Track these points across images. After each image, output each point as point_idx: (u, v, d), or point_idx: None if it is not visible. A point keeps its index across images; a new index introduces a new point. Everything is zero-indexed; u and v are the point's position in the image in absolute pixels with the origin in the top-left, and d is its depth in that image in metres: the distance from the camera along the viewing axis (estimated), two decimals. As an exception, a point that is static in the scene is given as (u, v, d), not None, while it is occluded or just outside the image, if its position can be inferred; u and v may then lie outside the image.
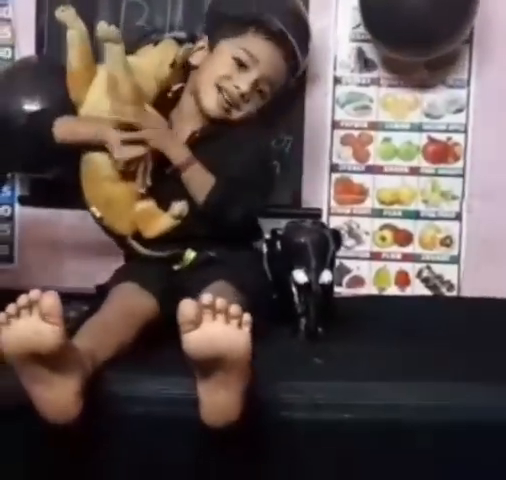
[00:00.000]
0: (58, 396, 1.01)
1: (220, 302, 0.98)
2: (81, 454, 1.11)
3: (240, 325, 0.98)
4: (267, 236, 1.40)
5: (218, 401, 1.00)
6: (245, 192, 1.42)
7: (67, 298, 1.42)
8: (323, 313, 1.35)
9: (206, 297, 0.98)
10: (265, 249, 1.42)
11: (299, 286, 1.34)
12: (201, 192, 1.41)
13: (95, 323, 1.21)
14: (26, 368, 1.00)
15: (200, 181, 1.42)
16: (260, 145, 1.56)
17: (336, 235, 1.41)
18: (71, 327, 1.25)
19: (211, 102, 1.47)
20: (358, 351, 1.30)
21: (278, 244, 1.39)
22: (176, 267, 1.46)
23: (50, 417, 1.02)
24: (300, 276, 1.34)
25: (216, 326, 0.97)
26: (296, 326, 1.35)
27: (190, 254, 1.46)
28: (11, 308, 0.98)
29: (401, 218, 1.91)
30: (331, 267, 1.37)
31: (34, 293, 0.98)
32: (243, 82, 1.45)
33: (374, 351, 1.29)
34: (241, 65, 1.46)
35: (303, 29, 1.75)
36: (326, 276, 1.34)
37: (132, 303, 1.29)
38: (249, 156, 1.50)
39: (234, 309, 0.98)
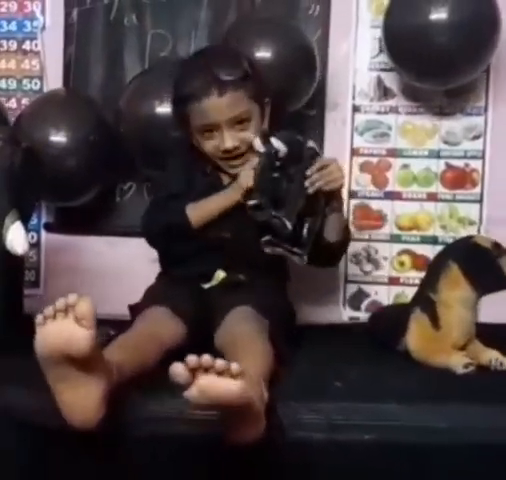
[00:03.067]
0: (82, 398, 1.06)
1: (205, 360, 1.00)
2: (97, 461, 1.14)
3: (233, 377, 1.00)
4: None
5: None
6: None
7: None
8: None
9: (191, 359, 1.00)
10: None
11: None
12: (338, 232, 1.53)
13: (125, 340, 1.26)
14: (55, 368, 1.05)
15: (341, 221, 1.55)
16: None
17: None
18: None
19: (229, 169, 1.55)
20: (375, 372, 1.32)
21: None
22: (206, 286, 1.52)
23: (72, 419, 1.06)
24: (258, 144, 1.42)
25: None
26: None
27: (220, 274, 1.52)
28: (49, 310, 1.04)
29: (419, 243, 1.92)
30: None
31: (71, 297, 1.04)
32: (224, 143, 1.51)
33: (391, 373, 1.32)
34: (211, 131, 1.52)
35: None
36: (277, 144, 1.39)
37: (163, 330, 1.34)
38: None
39: (220, 364, 1.00)
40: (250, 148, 1.51)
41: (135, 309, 1.51)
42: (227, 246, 1.51)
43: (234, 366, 1.01)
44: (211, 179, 1.58)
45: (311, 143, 1.47)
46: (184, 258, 1.54)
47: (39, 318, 1.05)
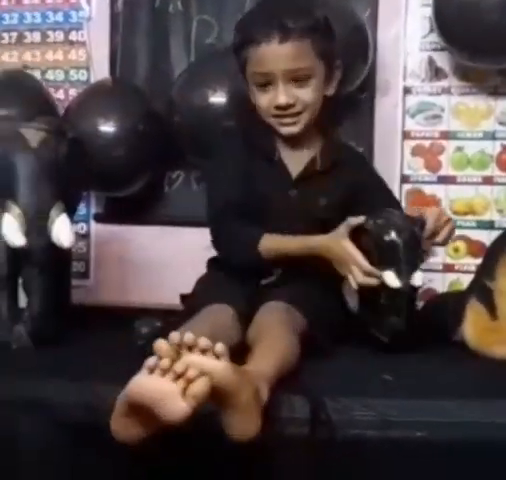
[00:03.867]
0: (137, 430, 1.00)
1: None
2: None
3: (217, 356, 0.98)
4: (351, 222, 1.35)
5: None
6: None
7: (141, 314, 1.49)
8: (411, 316, 1.32)
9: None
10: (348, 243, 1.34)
11: (393, 289, 1.29)
12: None
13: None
14: (130, 409, 0.99)
15: None
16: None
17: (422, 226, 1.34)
18: (144, 343, 1.29)
19: (280, 128, 1.48)
20: (429, 365, 1.29)
21: (367, 240, 1.32)
22: (264, 281, 1.48)
23: (118, 436, 1.01)
24: (391, 279, 1.29)
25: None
26: (381, 328, 1.31)
27: (279, 270, 1.47)
28: (165, 362, 0.95)
29: (475, 229, 1.86)
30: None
31: (192, 371, 0.95)
32: (277, 98, 1.43)
33: (446, 365, 1.28)
34: (266, 85, 1.44)
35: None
36: (418, 278, 1.29)
37: (225, 333, 1.26)
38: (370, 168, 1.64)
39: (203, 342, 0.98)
40: (307, 107, 1.44)
41: (188, 299, 1.49)
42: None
43: (218, 346, 0.98)
44: (279, 169, 1.50)
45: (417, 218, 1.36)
46: None
47: (151, 362, 0.96)
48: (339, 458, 1.09)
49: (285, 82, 1.42)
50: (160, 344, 0.97)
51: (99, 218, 2.03)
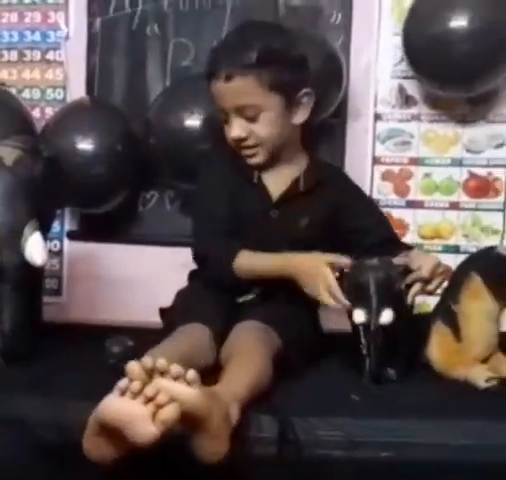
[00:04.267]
0: (108, 451, 1.01)
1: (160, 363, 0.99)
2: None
3: (188, 383, 0.99)
4: (336, 274, 1.37)
5: None
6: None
7: (112, 332, 1.49)
8: (390, 354, 1.32)
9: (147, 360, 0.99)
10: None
11: (362, 326, 1.31)
12: None
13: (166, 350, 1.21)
14: (101, 430, 1.00)
15: None
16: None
17: (406, 273, 1.37)
18: (115, 362, 1.30)
19: (247, 159, 1.51)
20: (394, 385, 1.31)
21: (344, 283, 1.36)
22: (240, 299, 1.49)
23: (92, 456, 1.02)
24: (358, 316, 1.31)
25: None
26: (363, 368, 1.32)
27: (256, 289, 1.49)
28: (136, 386, 0.97)
29: (441, 253, 1.89)
30: (398, 307, 1.33)
31: (163, 396, 0.96)
32: (230, 132, 1.47)
33: (412, 386, 1.31)
34: (226, 118, 1.48)
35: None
36: (386, 316, 1.30)
37: (201, 353, 1.28)
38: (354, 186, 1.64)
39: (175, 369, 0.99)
40: (262, 141, 1.46)
41: (168, 313, 1.50)
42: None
43: (190, 373, 0.99)
44: (259, 191, 1.52)
45: (396, 260, 1.38)
46: None
47: (122, 384, 0.98)
48: (306, 478, 1.11)
49: (237, 117, 1.46)
50: (132, 367, 0.98)
51: (73, 236, 2.03)
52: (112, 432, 0.99)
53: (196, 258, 1.53)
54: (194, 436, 1.02)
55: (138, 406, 0.97)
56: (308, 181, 1.52)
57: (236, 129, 1.46)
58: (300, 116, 1.51)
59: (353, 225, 1.54)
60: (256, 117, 1.45)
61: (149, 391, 0.97)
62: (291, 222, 1.51)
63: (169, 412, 0.97)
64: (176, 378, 0.99)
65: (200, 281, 1.54)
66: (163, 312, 1.55)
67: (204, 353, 1.29)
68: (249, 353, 1.23)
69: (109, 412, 0.98)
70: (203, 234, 1.51)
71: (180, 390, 0.98)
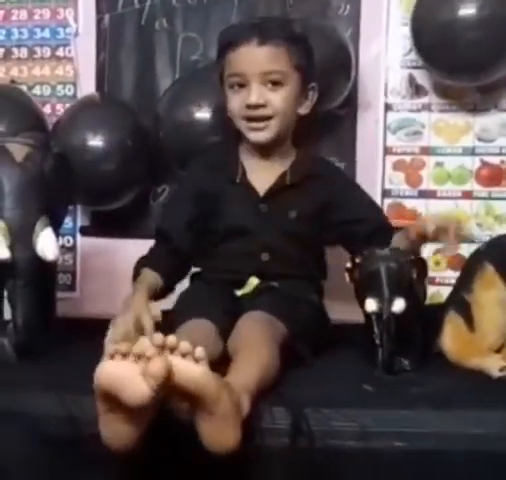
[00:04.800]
0: (127, 432, 1.03)
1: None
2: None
3: (196, 360, 1.00)
4: (348, 265, 1.37)
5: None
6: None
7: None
8: (402, 344, 1.31)
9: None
10: (347, 278, 1.38)
11: (375, 315, 1.31)
12: None
13: None
14: (105, 401, 1.02)
15: None
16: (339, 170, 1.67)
17: (418, 262, 1.37)
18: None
19: (249, 133, 1.50)
20: (408, 375, 1.31)
21: (356, 273, 1.36)
22: (239, 293, 1.49)
23: (111, 444, 1.04)
24: (370, 305, 1.31)
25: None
26: (376, 358, 1.31)
27: (253, 281, 1.50)
28: (123, 347, 0.99)
29: (455, 242, 1.90)
30: (410, 296, 1.32)
31: (150, 350, 0.98)
32: (249, 97, 1.46)
33: (425, 376, 1.30)
34: (240, 86, 1.48)
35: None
36: (397, 305, 1.29)
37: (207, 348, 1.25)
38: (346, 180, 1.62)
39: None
40: (277, 114, 1.47)
41: (169, 315, 1.50)
42: (264, 262, 1.50)
43: (198, 350, 1.01)
44: (243, 189, 1.52)
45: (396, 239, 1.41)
46: (219, 264, 1.53)
47: (111, 349, 1.01)
48: (319, 468, 1.11)
49: (258, 84, 1.46)
50: (143, 342, 1.00)
51: (85, 231, 2.05)
52: (114, 401, 1.00)
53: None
54: (202, 421, 1.02)
55: (129, 365, 0.99)
56: (295, 175, 1.52)
57: (255, 94, 1.46)
58: (305, 107, 1.53)
59: (346, 216, 1.53)
60: (279, 86, 1.47)
61: (136, 348, 0.99)
62: (281, 215, 1.51)
63: (156, 365, 0.97)
64: (185, 355, 1.00)
65: (200, 281, 1.56)
66: (165, 314, 1.55)
67: (210, 348, 1.27)
68: (256, 345, 1.23)
69: (103, 377, 1.00)
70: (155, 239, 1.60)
71: (188, 366, 0.99)
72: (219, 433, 1.02)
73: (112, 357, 1.00)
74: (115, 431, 1.03)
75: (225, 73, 1.50)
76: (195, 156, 1.65)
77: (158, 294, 1.49)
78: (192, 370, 0.99)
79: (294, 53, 1.47)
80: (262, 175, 1.53)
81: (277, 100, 1.47)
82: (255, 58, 1.46)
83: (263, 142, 1.51)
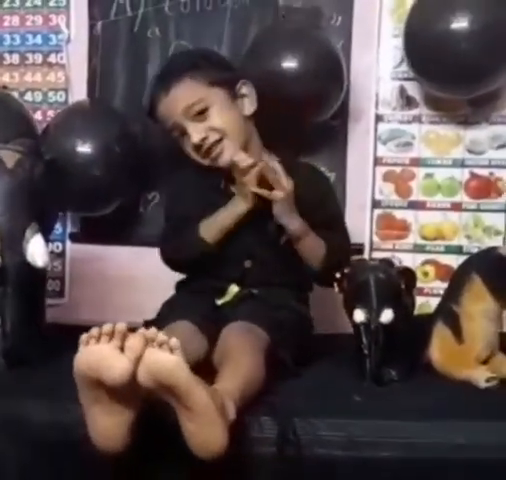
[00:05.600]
0: (113, 425, 1.05)
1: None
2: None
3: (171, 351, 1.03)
4: (337, 275, 1.38)
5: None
6: (346, 242, 1.56)
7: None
8: (390, 354, 1.32)
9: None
10: (336, 288, 1.38)
11: (363, 326, 1.32)
12: (316, 259, 1.47)
13: None
14: (89, 390, 1.04)
15: (314, 248, 1.48)
16: (324, 176, 1.67)
17: (407, 273, 1.37)
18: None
19: (216, 163, 1.52)
20: (396, 386, 1.31)
21: (345, 283, 1.37)
22: (219, 302, 1.50)
23: (99, 443, 1.05)
24: (358, 315, 1.32)
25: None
26: (364, 368, 1.32)
27: (233, 289, 1.50)
28: (94, 331, 1.03)
29: (444, 253, 1.91)
30: (399, 306, 1.33)
31: (120, 325, 1.03)
32: (190, 137, 1.50)
33: (413, 387, 1.31)
34: (183, 134, 1.52)
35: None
36: (386, 315, 1.30)
37: (189, 347, 1.27)
38: (327, 189, 1.60)
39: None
40: (223, 133, 1.48)
41: (152, 325, 1.50)
42: (246, 269, 1.51)
43: (173, 340, 1.03)
44: (226, 197, 1.53)
45: (400, 264, 1.44)
46: (201, 273, 1.54)
47: (84, 337, 1.04)
48: (307, 478, 1.11)
49: (190, 122, 1.49)
50: (119, 326, 1.03)
51: (74, 238, 2.04)
52: (96, 385, 1.02)
53: (165, 255, 1.58)
54: (184, 417, 1.03)
55: (103, 346, 1.02)
56: None
57: (194, 134, 1.49)
58: (248, 106, 1.55)
59: (315, 223, 1.50)
60: (206, 112, 1.49)
61: (105, 328, 1.03)
62: (263, 222, 1.50)
63: (135, 337, 1.02)
64: (161, 345, 1.03)
65: (185, 290, 1.57)
66: (147, 324, 1.55)
67: (194, 346, 1.31)
68: (240, 355, 1.23)
69: (81, 363, 1.03)
70: (165, 235, 1.59)
71: (163, 356, 1.02)
72: (203, 433, 1.02)
73: (87, 343, 1.03)
74: (102, 427, 1.04)
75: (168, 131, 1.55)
76: (182, 166, 1.66)
77: None
78: (166, 359, 1.02)
79: (199, 75, 1.50)
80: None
81: (213, 123, 1.49)
82: (170, 104, 1.51)
83: (228, 164, 1.50)
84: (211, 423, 1.02)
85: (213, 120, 1.49)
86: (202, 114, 1.49)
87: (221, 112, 1.50)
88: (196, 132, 1.48)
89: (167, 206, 1.69)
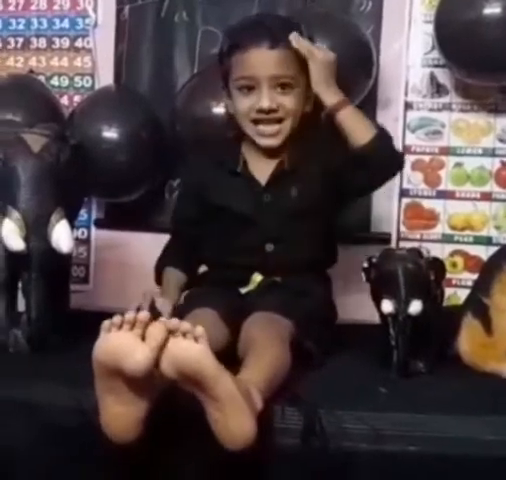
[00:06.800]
0: (127, 415, 1.04)
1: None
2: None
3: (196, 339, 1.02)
4: (365, 264, 1.36)
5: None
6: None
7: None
8: (418, 346, 1.30)
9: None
10: (364, 278, 1.36)
11: (391, 317, 1.29)
12: (364, 135, 1.42)
13: None
14: (106, 378, 1.03)
15: (358, 121, 1.45)
16: None
17: (436, 264, 1.35)
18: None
19: (259, 139, 1.49)
20: (424, 378, 1.29)
21: (372, 272, 1.35)
22: (243, 290, 1.49)
23: (111, 432, 1.05)
24: (386, 306, 1.30)
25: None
26: (391, 360, 1.30)
27: (257, 277, 1.49)
28: (117, 319, 1.03)
29: (472, 244, 1.88)
30: (428, 297, 1.30)
31: (143, 315, 1.02)
32: (260, 101, 1.45)
33: (441, 379, 1.29)
34: (249, 89, 1.47)
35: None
36: (414, 307, 1.28)
37: (211, 334, 1.25)
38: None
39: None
40: (288, 116, 1.46)
41: (174, 315, 1.50)
42: (268, 254, 1.49)
43: (198, 329, 1.02)
44: (245, 180, 1.51)
45: (429, 254, 1.36)
46: (224, 260, 1.53)
47: (105, 324, 1.03)
48: (331, 470, 1.10)
49: (268, 88, 1.45)
50: (142, 314, 1.02)
51: (100, 224, 2.04)
52: (114, 375, 1.01)
53: None
54: (211, 408, 1.01)
55: (125, 334, 1.01)
56: (292, 160, 1.50)
57: (267, 99, 1.45)
58: (310, 105, 1.52)
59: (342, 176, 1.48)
60: (289, 88, 1.46)
61: (128, 317, 1.02)
62: (283, 198, 1.49)
63: (157, 326, 1.01)
64: (185, 334, 1.02)
65: (207, 282, 1.56)
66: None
67: (216, 334, 1.28)
68: (265, 345, 1.22)
69: (101, 350, 1.02)
70: (171, 234, 1.65)
71: (188, 344, 1.01)
72: (231, 423, 1.01)
73: (108, 330, 1.02)
74: (115, 414, 1.04)
75: (232, 74, 1.49)
76: (194, 154, 1.68)
77: (185, 288, 1.56)
78: (191, 348, 1.01)
79: (302, 56, 1.45)
80: (261, 165, 1.52)
81: (288, 103, 1.46)
82: (266, 61, 1.44)
83: (274, 147, 1.50)
84: (239, 412, 1.01)
85: (289, 101, 1.46)
86: (283, 89, 1.46)
87: (298, 98, 1.47)
88: (270, 99, 1.44)
89: (182, 195, 1.70)
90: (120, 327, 1.02)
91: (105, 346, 1.02)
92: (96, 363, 1.03)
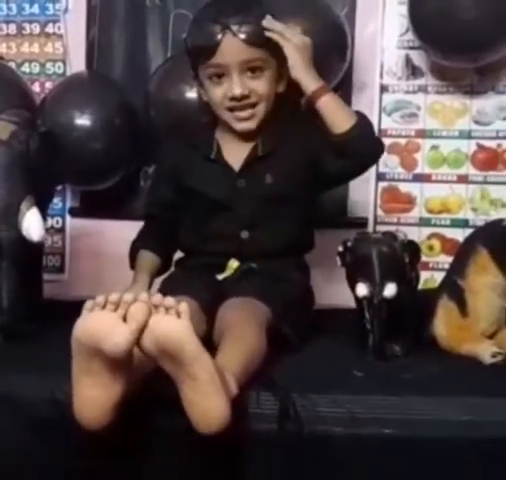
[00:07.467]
0: (100, 398, 1.03)
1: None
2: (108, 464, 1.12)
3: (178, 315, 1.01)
4: (339, 248, 1.35)
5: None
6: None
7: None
8: (394, 329, 1.30)
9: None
10: (339, 262, 1.35)
11: (366, 300, 1.29)
12: (344, 123, 1.41)
13: None
14: (83, 358, 1.02)
15: (339, 109, 1.43)
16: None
17: (411, 247, 1.34)
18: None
19: (235, 123, 1.48)
20: (399, 361, 1.30)
21: (347, 256, 1.34)
22: (220, 277, 1.48)
23: (82, 416, 1.03)
24: (361, 289, 1.29)
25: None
26: (366, 343, 1.30)
27: (233, 263, 1.48)
28: (101, 299, 1.01)
29: (449, 227, 1.88)
30: (402, 280, 1.30)
31: (128, 296, 1.01)
32: (232, 89, 1.43)
33: (416, 361, 1.29)
34: (219, 77, 1.45)
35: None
36: (389, 289, 1.27)
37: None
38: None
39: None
40: (261, 100, 1.45)
41: None
42: (243, 240, 1.49)
43: (182, 304, 1.02)
44: (219, 166, 1.50)
45: (404, 237, 1.35)
46: (200, 246, 1.52)
47: (88, 303, 1.02)
48: (307, 454, 1.09)
49: (240, 73, 1.43)
50: (126, 296, 1.01)
51: (74, 212, 2.02)
52: (92, 355, 1.00)
53: None
54: (186, 387, 1.00)
55: (108, 314, 1.00)
56: (266, 145, 1.49)
57: (238, 86, 1.43)
58: (282, 85, 1.50)
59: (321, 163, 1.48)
60: (259, 71, 1.45)
61: (113, 297, 1.01)
62: (257, 185, 1.48)
63: (139, 306, 1.00)
64: (168, 310, 1.01)
65: (184, 267, 1.55)
66: None
67: (195, 325, 1.27)
68: (241, 330, 1.21)
69: (82, 329, 1.01)
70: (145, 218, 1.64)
71: (170, 320, 1.00)
72: (205, 404, 1.00)
73: (91, 310, 1.01)
74: (88, 399, 1.03)
75: (201, 62, 1.47)
76: (168, 139, 1.66)
77: (159, 272, 1.56)
78: (173, 322, 1.00)
79: (268, 38, 1.43)
80: (235, 150, 1.51)
81: (260, 87, 1.45)
82: (234, 47, 1.42)
83: (250, 131, 1.49)
84: (215, 394, 1.00)
85: (261, 84, 1.45)
86: (254, 72, 1.44)
87: (270, 80, 1.46)
88: (241, 85, 1.43)
89: (157, 178, 1.68)
90: (103, 307, 1.01)
91: (86, 325, 1.01)
92: (75, 342, 1.02)
